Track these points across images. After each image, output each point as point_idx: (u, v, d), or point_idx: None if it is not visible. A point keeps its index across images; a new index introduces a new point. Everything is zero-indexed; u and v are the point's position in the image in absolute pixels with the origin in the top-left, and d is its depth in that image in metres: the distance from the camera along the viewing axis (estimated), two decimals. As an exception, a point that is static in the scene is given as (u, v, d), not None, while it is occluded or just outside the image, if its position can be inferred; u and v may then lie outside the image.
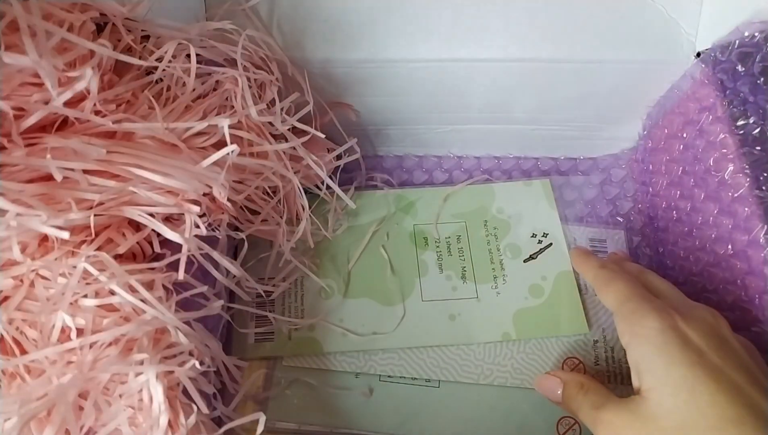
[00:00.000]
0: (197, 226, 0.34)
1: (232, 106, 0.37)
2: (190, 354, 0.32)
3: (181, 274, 0.32)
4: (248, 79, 0.38)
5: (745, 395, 0.30)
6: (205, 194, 0.35)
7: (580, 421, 0.37)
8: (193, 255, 0.34)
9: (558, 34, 0.44)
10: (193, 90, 0.36)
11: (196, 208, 0.33)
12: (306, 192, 0.43)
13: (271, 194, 0.41)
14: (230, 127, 0.35)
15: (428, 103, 0.50)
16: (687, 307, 0.36)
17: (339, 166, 0.48)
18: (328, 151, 0.48)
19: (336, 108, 0.48)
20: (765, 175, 0.38)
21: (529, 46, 0.44)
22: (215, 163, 0.34)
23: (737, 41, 0.40)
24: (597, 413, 0.35)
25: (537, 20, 0.44)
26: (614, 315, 0.37)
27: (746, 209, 0.38)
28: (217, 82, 0.38)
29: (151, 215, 0.33)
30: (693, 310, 0.35)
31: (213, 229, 0.37)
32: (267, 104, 0.39)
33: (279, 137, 0.40)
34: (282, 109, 0.40)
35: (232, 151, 0.34)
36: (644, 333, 0.34)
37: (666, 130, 0.47)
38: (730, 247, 0.40)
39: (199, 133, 0.36)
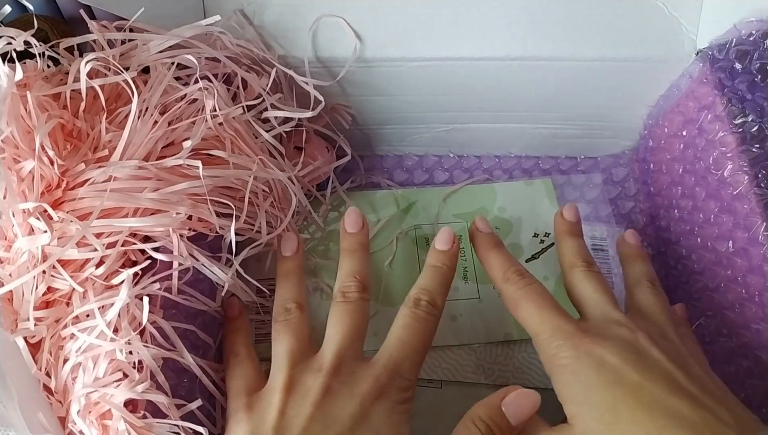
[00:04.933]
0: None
1: (207, 109, 0.38)
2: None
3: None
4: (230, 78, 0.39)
5: (664, 406, 0.30)
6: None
7: None
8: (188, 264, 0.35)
9: (559, 32, 0.44)
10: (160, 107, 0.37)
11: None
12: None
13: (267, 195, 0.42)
14: (204, 139, 0.36)
15: (428, 102, 0.50)
16: (604, 326, 0.35)
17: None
18: (327, 150, 0.49)
19: (332, 111, 0.49)
20: (764, 172, 0.38)
21: (529, 45, 0.44)
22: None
23: (734, 40, 0.40)
24: None
25: (538, 18, 0.44)
26: (532, 339, 0.37)
27: (746, 207, 0.38)
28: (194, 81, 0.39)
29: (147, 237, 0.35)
30: (609, 329, 0.34)
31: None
32: (245, 107, 0.39)
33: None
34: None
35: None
36: (561, 363, 0.33)
37: (666, 129, 0.47)
38: (730, 244, 0.40)
39: (170, 144, 0.37)
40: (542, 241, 0.50)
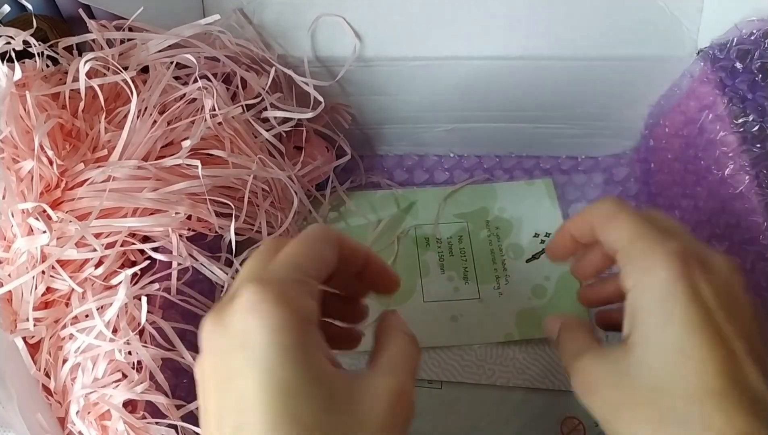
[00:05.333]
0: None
1: (206, 109, 0.38)
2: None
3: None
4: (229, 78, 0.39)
5: (737, 368, 0.26)
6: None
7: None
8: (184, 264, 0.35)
9: (560, 31, 0.44)
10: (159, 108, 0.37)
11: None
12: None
13: (268, 193, 0.42)
14: (203, 139, 0.36)
15: (429, 102, 0.50)
16: (705, 253, 0.29)
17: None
18: (327, 149, 0.49)
19: (331, 111, 0.49)
20: (764, 172, 0.38)
21: (530, 44, 0.44)
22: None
23: (735, 39, 0.40)
24: (574, 361, 0.30)
25: (538, 18, 0.44)
26: (618, 256, 0.30)
27: (746, 206, 0.38)
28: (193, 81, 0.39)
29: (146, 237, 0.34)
30: (712, 257, 0.29)
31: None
32: (244, 106, 0.39)
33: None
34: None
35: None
36: (651, 281, 0.28)
37: (667, 129, 0.47)
38: (731, 244, 0.40)
39: (169, 144, 0.37)
40: (543, 241, 0.49)
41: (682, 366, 0.26)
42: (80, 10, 0.37)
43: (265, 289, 0.25)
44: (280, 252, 0.28)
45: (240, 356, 0.25)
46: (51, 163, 0.32)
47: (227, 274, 0.37)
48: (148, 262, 0.35)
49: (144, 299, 0.32)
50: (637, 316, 0.28)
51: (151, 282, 0.34)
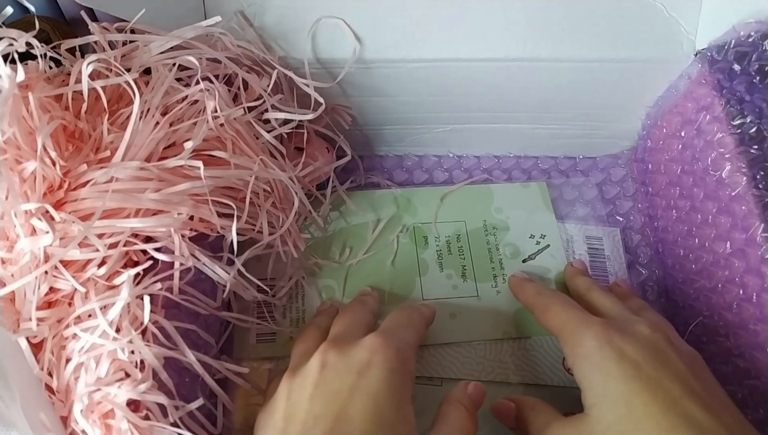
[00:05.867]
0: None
1: (209, 110, 0.38)
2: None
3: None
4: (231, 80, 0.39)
5: (679, 405, 0.31)
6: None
7: None
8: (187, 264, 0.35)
9: (558, 33, 0.44)
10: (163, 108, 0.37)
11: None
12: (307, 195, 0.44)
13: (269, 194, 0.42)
14: (205, 140, 0.36)
15: (428, 103, 0.50)
16: (626, 323, 0.37)
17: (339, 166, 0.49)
18: (327, 150, 0.49)
19: (332, 112, 0.49)
20: (762, 173, 0.38)
21: (528, 46, 0.44)
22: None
23: (733, 41, 0.40)
24: (543, 433, 0.35)
25: (536, 20, 0.44)
26: (558, 340, 0.38)
27: (744, 208, 0.38)
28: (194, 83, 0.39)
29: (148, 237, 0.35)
30: (631, 326, 0.36)
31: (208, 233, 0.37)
32: (246, 108, 0.40)
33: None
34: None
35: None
36: (583, 353, 0.35)
37: (665, 130, 0.47)
38: (728, 245, 0.40)
39: (171, 145, 0.37)
40: (538, 243, 0.50)
41: (632, 414, 0.32)
42: (82, 12, 0.37)
43: (390, 342, 0.35)
44: (400, 316, 0.40)
45: (352, 379, 0.33)
46: (54, 164, 0.33)
47: (229, 273, 0.37)
48: (150, 262, 0.35)
49: (147, 299, 0.32)
50: (584, 383, 0.35)
51: (154, 282, 0.34)
